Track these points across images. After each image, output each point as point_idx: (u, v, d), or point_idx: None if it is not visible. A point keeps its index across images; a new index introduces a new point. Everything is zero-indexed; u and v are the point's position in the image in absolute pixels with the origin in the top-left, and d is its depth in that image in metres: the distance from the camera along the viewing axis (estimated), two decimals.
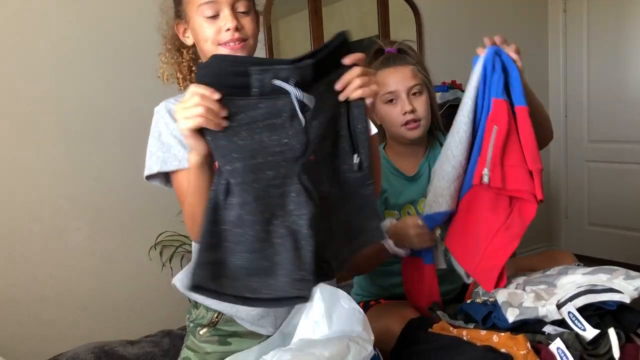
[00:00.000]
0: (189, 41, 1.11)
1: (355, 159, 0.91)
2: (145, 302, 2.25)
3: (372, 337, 0.96)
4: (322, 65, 0.85)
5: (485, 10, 3.48)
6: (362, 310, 1.00)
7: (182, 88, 1.17)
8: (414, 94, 1.42)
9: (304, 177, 0.84)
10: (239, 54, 1.03)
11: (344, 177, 0.92)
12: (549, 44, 3.87)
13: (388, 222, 1.33)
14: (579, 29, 3.70)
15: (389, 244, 1.30)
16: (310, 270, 0.85)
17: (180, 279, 1.13)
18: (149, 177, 1.07)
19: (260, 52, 1.11)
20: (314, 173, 0.86)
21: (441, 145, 1.51)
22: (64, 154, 2.11)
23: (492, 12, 3.52)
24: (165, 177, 1.07)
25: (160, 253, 2.29)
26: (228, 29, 1.02)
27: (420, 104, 1.42)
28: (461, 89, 2.94)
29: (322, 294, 1.04)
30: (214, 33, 1.03)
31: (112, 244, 2.20)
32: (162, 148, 1.05)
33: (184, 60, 1.15)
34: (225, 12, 1.02)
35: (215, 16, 1.03)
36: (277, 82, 0.81)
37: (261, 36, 1.13)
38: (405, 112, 1.40)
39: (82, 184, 2.15)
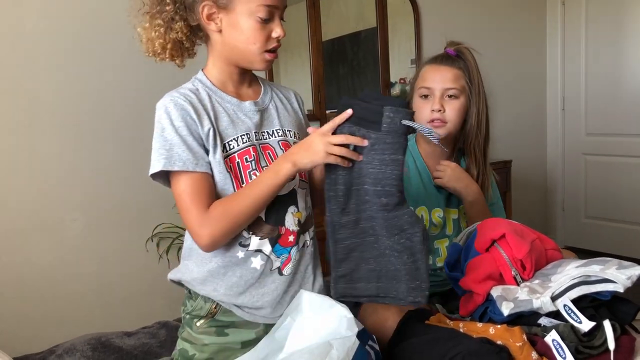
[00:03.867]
0: (213, 27, 1.05)
1: None
2: (142, 293, 2.25)
3: (356, 329, 0.97)
4: None
5: (484, 2, 3.47)
6: (349, 314, 1.00)
7: (158, 60, 1.09)
8: (449, 96, 1.43)
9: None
10: (272, 61, 1.08)
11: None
12: (547, 37, 3.86)
13: None
14: (577, 22, 3.70)
15: None
16: (425, 279, 1.01)
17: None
18: (154, 175, 1.03)
19: None
20: None
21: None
22: (60, 145, 2.10)
23: (491, 4, 3.51)
24: (167, 175, 1.03)
25: (157, 245, 2.28)
26: (278, 37, 1.05)
27: (451, 108, 1.43)
28: None
29: (311, 304, 1.05)
30: (264, 38, 1.04)
31: (109, 236, 2.19)
32: (165, 145, 1.00)
33: (173, 32, 1.05)
34: (278, 20, 1.05)
35: (268, 21, 1.04)
36: (407, 122, 0.97)
37: None
38: (433, 110, 1.42)
39: (79, 175, 2.14)
